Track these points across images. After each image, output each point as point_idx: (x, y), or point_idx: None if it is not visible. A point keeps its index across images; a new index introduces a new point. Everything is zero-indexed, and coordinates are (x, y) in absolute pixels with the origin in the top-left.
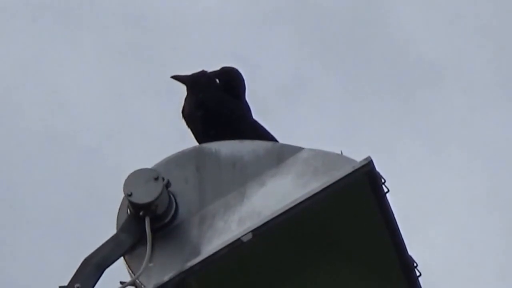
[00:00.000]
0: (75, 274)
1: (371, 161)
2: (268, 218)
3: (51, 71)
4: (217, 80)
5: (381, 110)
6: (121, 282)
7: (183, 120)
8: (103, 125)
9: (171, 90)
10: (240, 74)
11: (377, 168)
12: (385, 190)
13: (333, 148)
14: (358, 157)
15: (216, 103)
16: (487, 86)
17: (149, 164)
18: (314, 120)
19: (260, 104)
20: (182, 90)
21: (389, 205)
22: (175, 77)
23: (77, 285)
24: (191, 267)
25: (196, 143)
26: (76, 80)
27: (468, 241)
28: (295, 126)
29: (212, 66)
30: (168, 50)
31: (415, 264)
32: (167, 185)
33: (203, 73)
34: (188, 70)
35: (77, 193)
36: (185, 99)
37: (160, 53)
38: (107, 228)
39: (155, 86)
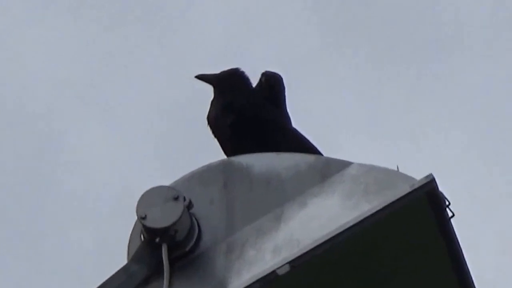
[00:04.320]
0: None
1: (434, 179)
2: (309, 247)
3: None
4: (255, 85)
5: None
6: None
7: (208, 128)
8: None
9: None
10: (282, 80)
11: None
12: (450, 214)
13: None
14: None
15: (249, 108)
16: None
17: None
18: (331, 96)
19: None
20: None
21: (454, 232)
22: (200, 77)
23: None
24: None
25: (224, 156)
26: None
27: None
28: (312, 103)
29: (214, 45)
30: (152, 24)
31: None
32: (189, 206)
33: (234, 71)
34: (178, 48)
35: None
36: (212, 102)
37: (140, 27)
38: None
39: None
